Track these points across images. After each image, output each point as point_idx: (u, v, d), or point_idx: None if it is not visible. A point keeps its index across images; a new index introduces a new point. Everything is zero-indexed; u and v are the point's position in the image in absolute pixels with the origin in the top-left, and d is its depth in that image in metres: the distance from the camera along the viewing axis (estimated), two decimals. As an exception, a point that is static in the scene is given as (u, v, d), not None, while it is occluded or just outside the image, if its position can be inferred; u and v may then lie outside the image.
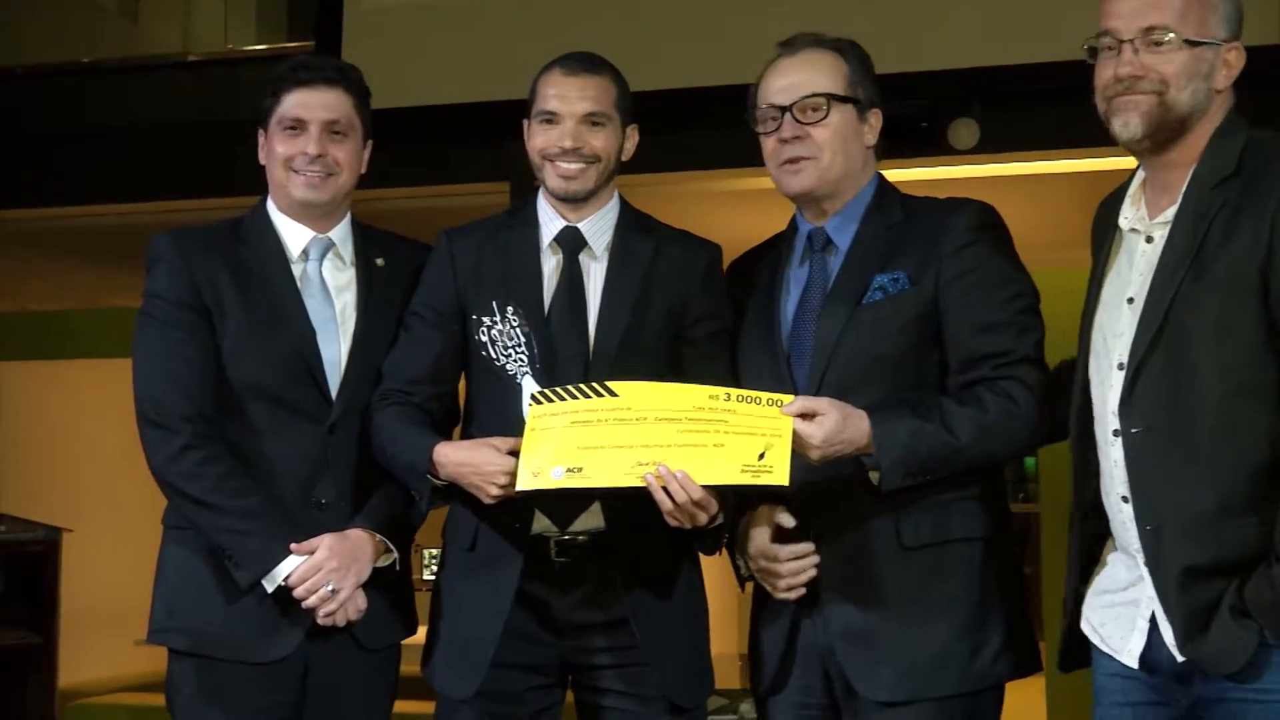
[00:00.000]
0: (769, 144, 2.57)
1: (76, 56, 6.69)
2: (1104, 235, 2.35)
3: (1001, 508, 2.54)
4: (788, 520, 2.46)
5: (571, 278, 2.60)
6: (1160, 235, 2.22)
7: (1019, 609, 2.50)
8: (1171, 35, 2.18)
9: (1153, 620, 2.20)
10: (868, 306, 2.47)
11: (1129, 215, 2.29)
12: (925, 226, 2.52)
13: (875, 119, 2.59)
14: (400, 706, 2.79)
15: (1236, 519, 2.12)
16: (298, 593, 2.54)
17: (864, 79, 2.57)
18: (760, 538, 2.49)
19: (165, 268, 2.66)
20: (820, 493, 2.42)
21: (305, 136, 2.67)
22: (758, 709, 2.64)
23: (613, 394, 2.37)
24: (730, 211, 5.04)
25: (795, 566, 2.46)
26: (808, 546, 2.45)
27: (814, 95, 2.51)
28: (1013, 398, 2.40)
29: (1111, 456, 2.23)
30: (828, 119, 2.51)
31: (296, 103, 2.67)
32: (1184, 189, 2.20)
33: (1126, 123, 2.22)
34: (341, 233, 2.76)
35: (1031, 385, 2.41)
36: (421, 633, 2.72)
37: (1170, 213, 2.21)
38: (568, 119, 2.58)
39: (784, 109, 2.52)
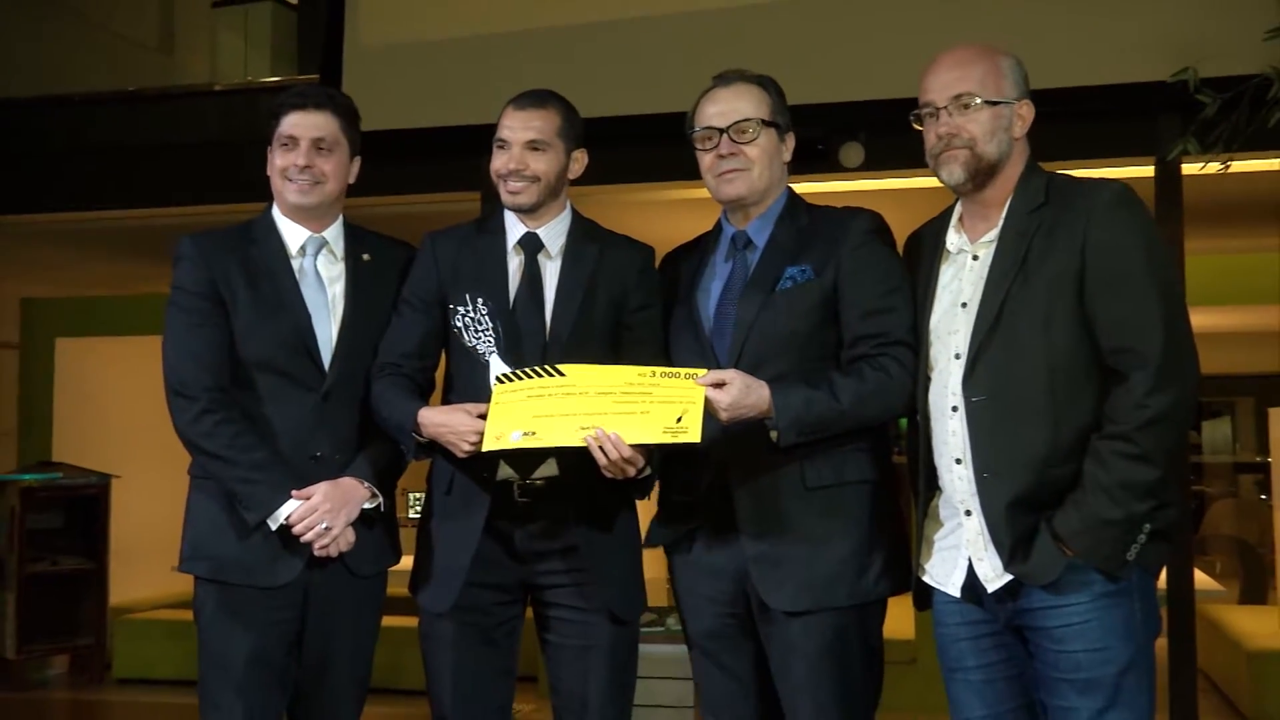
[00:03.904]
0: (706, 159, 2.56)
1: (123, 86, 6.60)
2: (930, 256, 2.42)
3: (886, 458, 2.54)
4: None
5: (532, 275, 2.60)
6: (985, 253, 2.32)
7: (898, 539, 2.51)
8: (976, 99, 2.29)
9: (970, 560, 2.28)
10: (780, 293, 2.48)
11: (954, 240, 2.38)
12: (828, 229, 2.53)
13: (790, 140, 2.61)
14: (388, 621, 2.79)
15: (1058, 466, 2.20)
16: (296, 530, 2.53)
17: (782, 108, 2.59)
18: None
19: (188, 264, 2.64)
20: (740, 444, 2.43)
21: (297, 151, 2.64)
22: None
23: (561, 374, 2.39)
24: (664, 217, 5.01)
25: None
26: None
27: (746, 119, 2.52)
28: (887, 371, 2.41)
29: (949, 428, 2.31)
30: (758, 139, 2.52)
31: (291, 123, 2.64)
32: (1004, 216, 2.30)
33: (951, 173, 2.33)
34: (334, 232, 2.72)
35: (903, 361, 2.41)
36: (407, 561, 2.71)
37: (993, 234, 2.31)
38: (514, 145, 2.58)
39: (721, 130, 2.53)
